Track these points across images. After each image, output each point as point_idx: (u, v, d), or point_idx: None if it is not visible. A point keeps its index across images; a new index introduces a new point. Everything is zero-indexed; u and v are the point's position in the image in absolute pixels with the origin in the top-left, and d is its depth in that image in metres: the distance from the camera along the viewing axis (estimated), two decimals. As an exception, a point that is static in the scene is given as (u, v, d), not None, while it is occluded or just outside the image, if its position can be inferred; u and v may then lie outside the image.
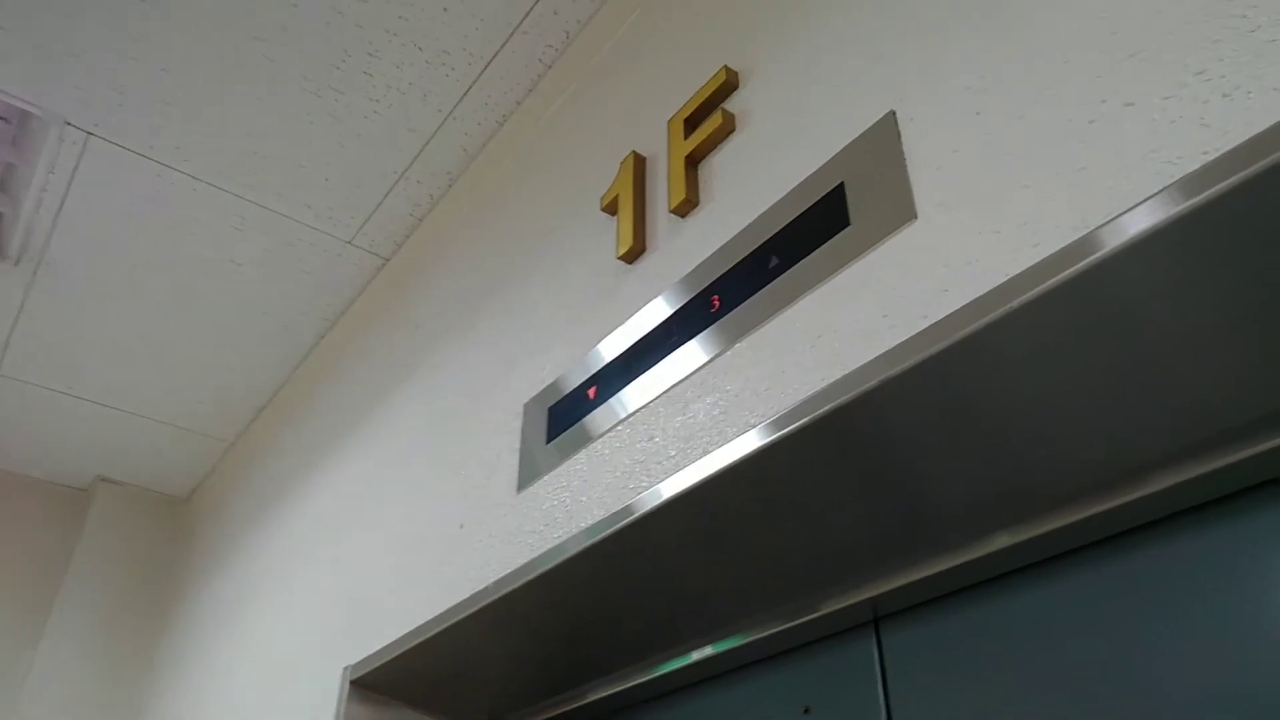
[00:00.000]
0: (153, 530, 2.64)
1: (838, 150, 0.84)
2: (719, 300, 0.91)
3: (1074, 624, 0.77)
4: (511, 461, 1.16)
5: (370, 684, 1.26)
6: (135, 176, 1.73)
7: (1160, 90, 0.59)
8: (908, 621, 0.89)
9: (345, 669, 1.29)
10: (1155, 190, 0.56)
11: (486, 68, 1.55)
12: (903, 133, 0.78)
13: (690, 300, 0.95)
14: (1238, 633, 0.67)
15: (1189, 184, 0.54)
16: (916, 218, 0.73)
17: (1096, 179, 0.61)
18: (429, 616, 1.15)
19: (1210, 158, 0.54)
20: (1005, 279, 0.63)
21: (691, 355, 0.91)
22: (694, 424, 0.87)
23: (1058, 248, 0.60)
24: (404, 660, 1.19)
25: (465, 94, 1.59)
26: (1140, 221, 0.56)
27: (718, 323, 0.90)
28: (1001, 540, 0.80)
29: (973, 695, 0.81)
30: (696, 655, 1.06)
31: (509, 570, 1.03)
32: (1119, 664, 0.73)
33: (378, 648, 1.24)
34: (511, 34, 1.50)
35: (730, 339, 0.87)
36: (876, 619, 0.92)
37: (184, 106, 1.61)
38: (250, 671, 1.68)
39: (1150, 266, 0.57)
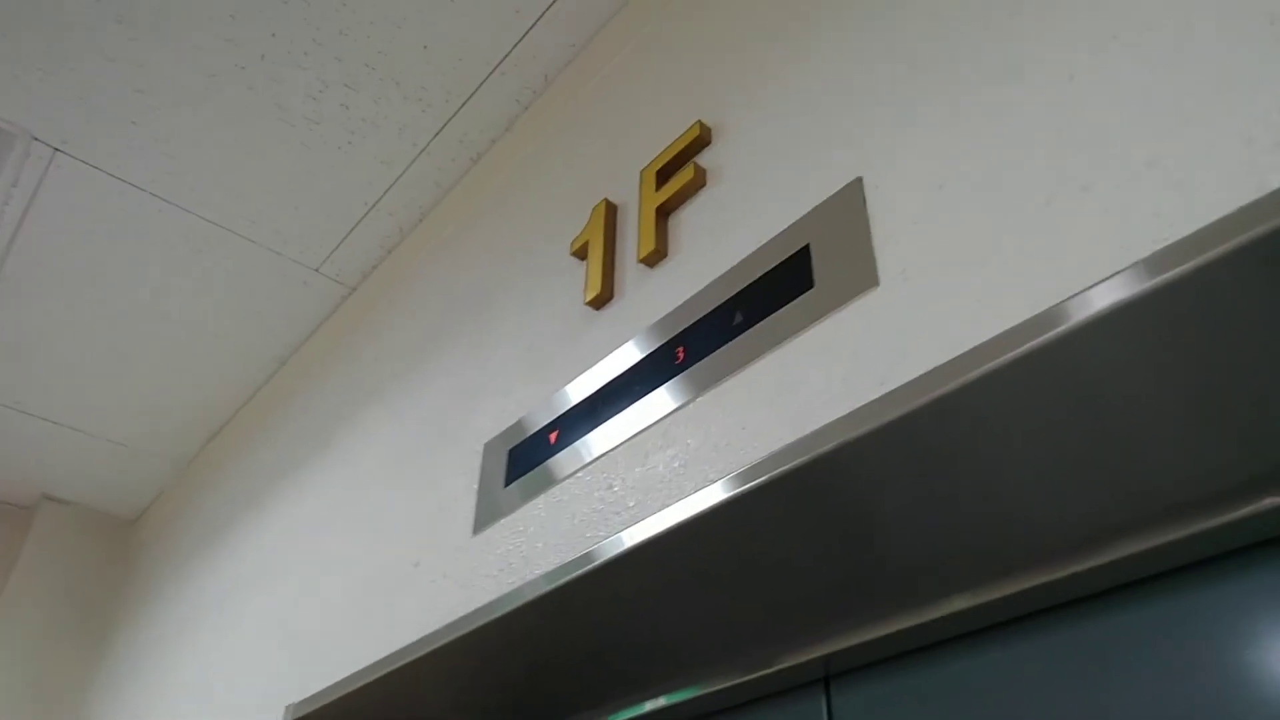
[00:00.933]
0: (96, 552, 2.57)
1: (805, 212, 0.86)
2: (684, 352, 0.92)
3: (1024, 689, 0.78)
4: (469, 502, 1.15)
5: (313, 724, 1.24)
6: (100, 195, 1.71)
7: (1114, 177, 0.61)
8: (858, 681, 0.89)
9: (288, 707, 1.26)
10: (1106, 274, 0.58)
11: (463, 106, 1.56)
12: (868, 199, 0.80)
13: (655, 350, 0.96)
14: (1189, 703, 0.68)
15: (1139, 270, 0.56)
16: (878, 284, 0.74)
17: (1051, 259, 0.63)
18: (377, 657, 1.13)
19: (1159, 246, 0.56)
20: (961, 351, 0.64)
21: (654, 405, 0.92)
22: (654, 475, 0.88)
23: (1012, 324, 0.62)
24: (348, 700, 1.17)
25: (440, 130, 1.60)
26: (1091, 304, 0.57)
27: (681, 374, 0.90)
28: (956, 604, 0.81)
29: (919, 758, 0.81)
30: (650, 706, 1.05)
31: (462, 614, 1.02)
32: (1062, 732, 0.73)
33: (322, 686, 1.22)
34: (490, 74, 1.51)
35: (693, 392, 0.88)
36: (828, 677, 0.92)
37: (155, 128, 1.60)
38: (189, 704, 1.64)
39: (1101, 346, 0.59)
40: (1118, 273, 0.57)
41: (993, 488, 0.71)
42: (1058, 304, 0.60)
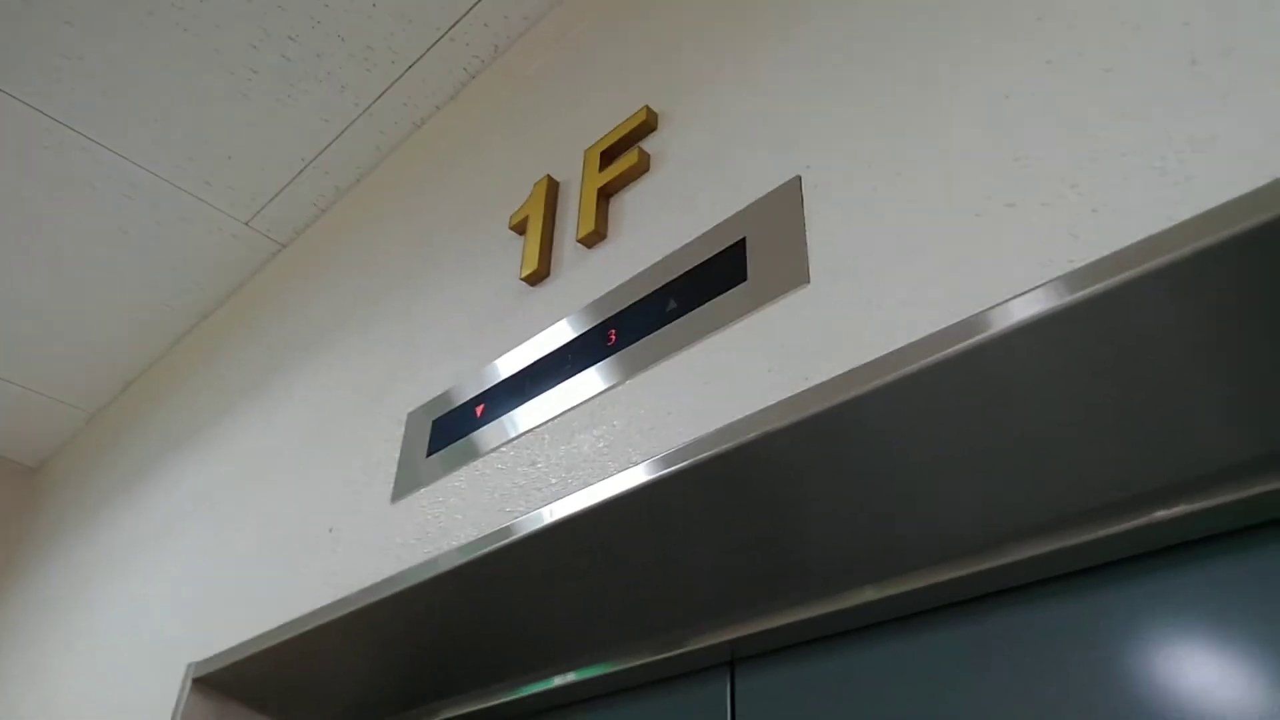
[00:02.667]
0: (-7, 498, 2.48)
1: (744, 206, 0.87)
2: (615, 334, 0.93)
3: (925, 682, 0.81)
4: (389, 470, 1.14)
5: (214, 683, 1.22)
6: (20, 128, 1.63)
7: (1039, 196, 0.64)
8: (762, 666, 0.92)
9: (189, 665, 1.24)
10: (1024, 289, 0.61)
11: (409, 69, 1.53)
12: (806, 198, 0.82)
13: (588, 331, 0.96)
14: (1085, 703, 0.72)
15: (1055, 287, 0.58)
16: (809, 282, 0.76)
17: (974, 270, 0.65)
18: (286, 619, 1.12)
19: (1075, 265, 0.59)
20: (882, 353, 0.66)
21: (583, 385, 0.92)
22: (578, 454, 0.88)
23: (932, 330, 0.64)
24: (253, 662, 1.16)
25: (385, 91, 1.58)
26: (1007, 316, 0.60)
27: (612, 356, 0.91)
28: (865, 594, 0.83)
29: (815, 741, 0.84)
30: (559, 680, 1.07)
31: (375, 580, 1.02)
32: (951, 722, 0.77)
33: (227, 646, 1.20)
34: (439, 39, 1.49)
35: (623, 374, 0.89)
36: (733, 661, 0.94)
37: (85, 64, 1.53)
38: (87, 659, 1.59)
39: (1012, 357, 0.61)
40: (1035, 288, 0.60)
41: (903, 486, 0.74)
42: (977, 314, 0.62)
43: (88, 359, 2.19)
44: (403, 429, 1.17)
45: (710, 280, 0.85)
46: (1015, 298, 0.60)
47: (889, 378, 0.65)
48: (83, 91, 1.57)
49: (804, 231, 0.79)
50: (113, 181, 1.74)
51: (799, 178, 0.83)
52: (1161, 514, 0.69)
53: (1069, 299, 0.58)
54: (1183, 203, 0.56)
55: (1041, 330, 0.59)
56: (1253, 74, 0.57)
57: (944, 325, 0.64)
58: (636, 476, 0.79)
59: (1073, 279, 0.58)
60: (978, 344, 0.61)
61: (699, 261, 0.88)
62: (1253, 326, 0.56)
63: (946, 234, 0.68)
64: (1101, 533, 0.72)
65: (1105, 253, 0.58)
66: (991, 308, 0.61)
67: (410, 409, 1.18)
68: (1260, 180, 0.53)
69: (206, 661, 1.21)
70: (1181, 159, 0.57)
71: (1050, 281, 0.59)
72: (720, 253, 0.86)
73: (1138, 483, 0.68)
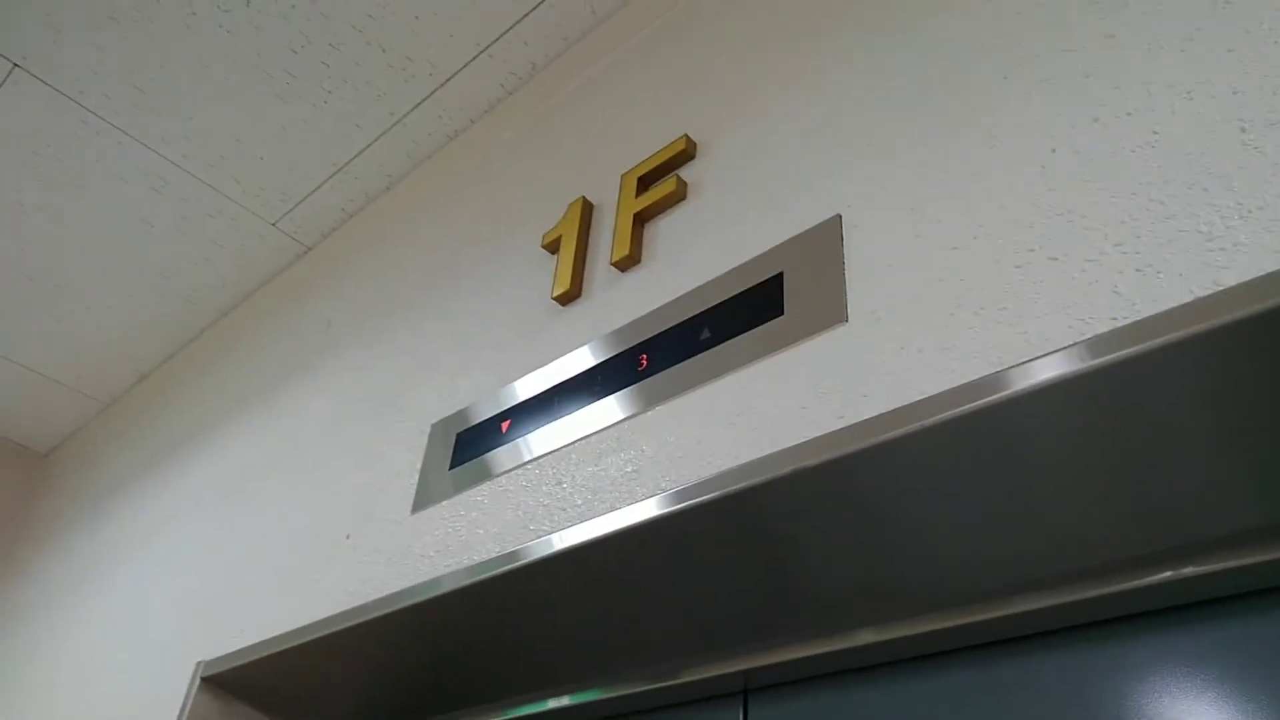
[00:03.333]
0: (2, 482, 2.48)
1: (783, 240, 0.88)
2: (647, 359, 0.93)
3: (929, 722, 0.81)
4: (410, 480, 1.15)
5: (223, 683, 1.23)
6: (57, 118, 1.65)
7: (1083, 252, 0.65)
8: (775, 697, 0.92)
9: (199, 664, 1.24)
10: (1065, 344, 0.61)
11: (447, 81, 1.55)
12: (846, 237, 0.83)
13: (619, 354, 0.97)
14: (1074, 751, 0.72)
15: (1096, 345, 0.59)
16: (847, 320, 0.77)
17: (1014, 321, 0.66)
18: (301, 623, 1.12)
19: (1118, 324, 0.60)
20: (920, 397, 0.67)
21: (612, 409, 0.93)
22: (604, 477, 0.89)
23: (971, 378, 0.65)
24: (264, 664, 1.16)
25: (421, 102, 1.59)
26: (1047, 370, 0.61)
27: (643, 382, 0.92)
28: (869, 635, 0.84)
29: (826, 776, 0.85)
30: (553, 704, 1.07)
31: (392, 591, 1.03)
32: (964, 766, 0.77)
33: (238, 646, 1.21)
34: (478, 54, 1.51)
35: (653, 400, 0.89)
36: (746, 691, 0.95)
37: (124, 58, 1.55)
38: (93, 650, 1.60)
39: (1049, 411, 0.62)
40: (1074, 344, 0.61)
41: (918, 533, 0.74)
42: (1013, 366, 0.63)
43: (105, 348, 2.20)
44: (425, 440, 1.18)
45: (746, 312, 0.86)
46: (1054, 352, 0.61)
47: (923, 423, 0.66)
48: (120, 85, 1.59)
49: (843, 270, 0.80)
50: (142, 174, 1.75)
51: (839, 216, 0.84)
52: (1169, 574, 0.70)
53: (1110, 357, 0.58)
54: (1228, 268, 0.57)
55: (1078, 387, 0.60)
56: (1302, 146, 0.58)
57: (981, 374, 0.65)
58: (663, 505, 0.80)
59: (1114, 338, 0.59)
60: (1013, 396, 0.62)
61: (735, 292, 0.89)
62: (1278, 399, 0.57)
63: (988, 283, 0.69)
64: (1105, 590, 0.72)
65: (1149, 313, 0.58)
66: (1030, 360, 0.62)
67: (434, 420, 1.19)
68: (1308, 252, 0.54)
69: (216, 661, 1.22)
70: (1229, 225, 0.58)
71: (1090, 339, 0.60)
72: (757, 285, 0.87)
73: (1149, 542, 0.69)
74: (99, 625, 1.64)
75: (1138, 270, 0.61)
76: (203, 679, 1.22)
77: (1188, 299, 0.57)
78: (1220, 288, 0.56)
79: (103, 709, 1.43)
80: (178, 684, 1.26)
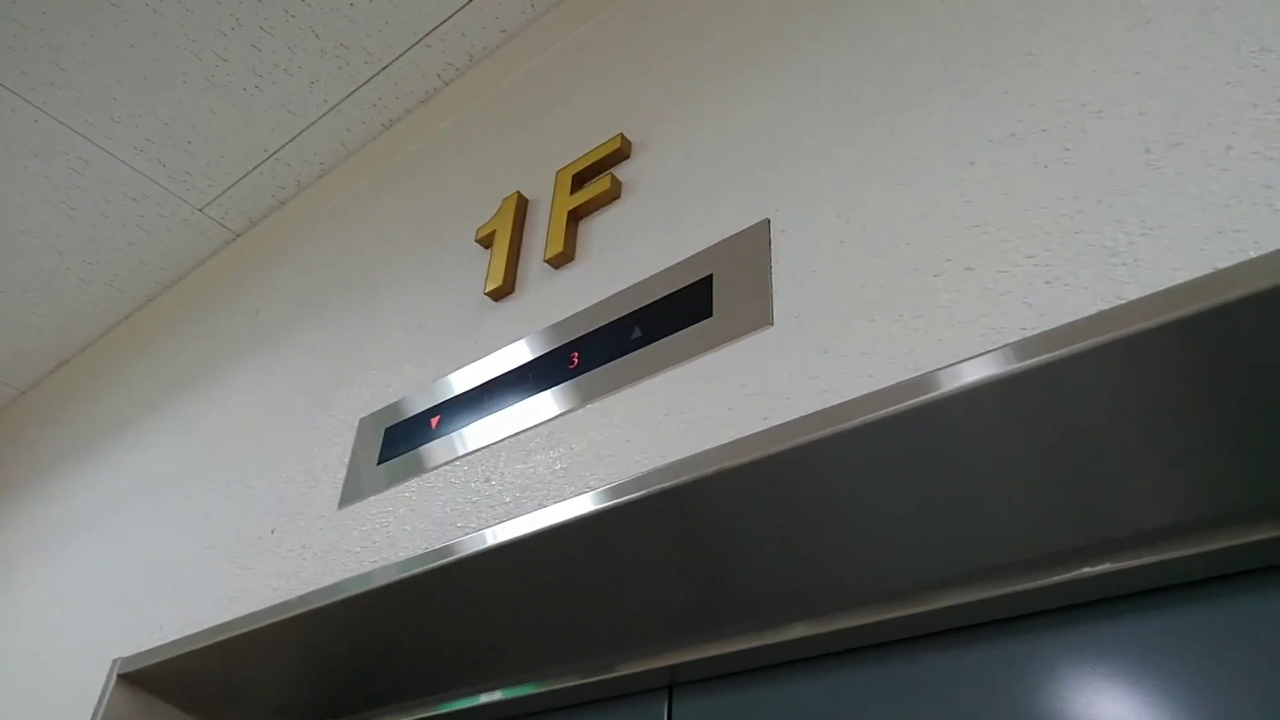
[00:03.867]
0: (-94, 471, 2.38)
1: (713, 242, 0.89)
2: (578, 358, 0.94)
3: (853, 718, 0.84)
4: (337, 475, 1.14)
5: (140, 680, 1.20)
6: (-29, 94, 1.59)
7: (996, 263, 0.67)
8: (700, 691, 0.94)
9: (115, 660, 1.21)
10: (977, 351, 0.64)
11: (382, 70, 1.53)
12: (774, 241, 0.84)
13: (550, 351, 0.98)
14: (982, 742, 0.75)
15: (1006, 354, 0.62)
16: (772, 324, 0.79)
17: (931, 328, 0.68)
18: (223, 619, 1.10)
19: (1027, 334, 0.62)
20: (840, 400, 0.69)
21: (543, 406, 0.94)
22: (534, 474, 0.90)
23: (889, 383, 0.67)
24: (184, 661, 1.14)
25: (355, 90, 1.57)
26: (959, 377, 0.63)
27: (574, 380, 0.93)
28: (796, 630, 0.86)
29: (747, 769, 0.87)
30: (485, 698, 1.07)
31: (317, 586, 1.02)
32: (879, 757, 0.80)
33: (157, 643, 1.18)
34: (415, 44, 1.49)
35: (583, 398, 0.90)
36: (671, 685, 0.96)
37: (44, 35, 1.50)
38: (7, 649, 1.55)
39: (962, 416, 0.65)
40: (986, 352, 0.63)
41: (842, 531, 0.76)
42: (929, 372, 0.65)
43: (22, 334, 2.12)
44: (353, 434, 1.16)
45: (676, 313, 0.87)
46: (968, 359, 0.64)
47: (843, 426, 0.67)
48: (39, 61, 1.54)
49: (770, 274, 0.82)
50: (62, 155, 1.69)
51: (768, 220, 0.86)
52: (1086, 570, 0.73)
53: (1019, 365, 0.61)
54: (1130, 282, 0.60)
55: (990, 393, 0.62)
56: (1199, 167, 0.61)
57: (899, 379, 0.67)
58: (591, 502, 0.80)
59: (1023, 347, 0.61)
60: (928, 402, 0.64)
61: (666, 293, 0.90)
62: (1184, 406, 0.60)
63: (908, 290, 0.71)
64: (1025, 585, 0.75)
65: (1056, 324, 0.61)
66: (945, 367, 0.65)
67: (362, 415, 1.18)
68: (1202, 270, 0.57)
69: (134, 657, 1.19)
70: (1131, 241, 0.61)
71: (1002, 347, 0.62)
72: (687, 287, 0.88)
73: (1065, 540, 0.72)
74: (11, 622, 1.59)
75: (1047, 282, 0.64)
76: (119, 676, 1.19)
77: (1091, 311, 0.60)
78: (1122, 301, 0.59)
79: (15, 708, 1.39)
80: (94, 681, 1.23)
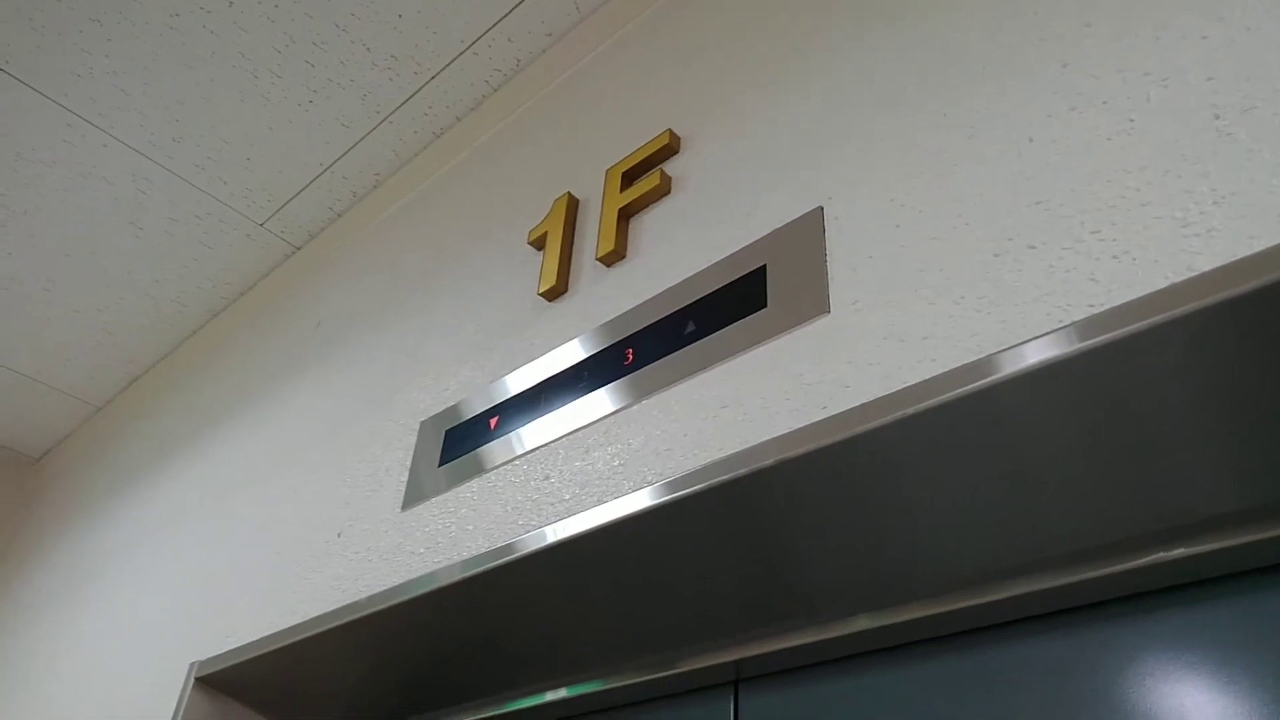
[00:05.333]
0: (-7, 487, 2.48)
1: (765, 233, 0.89)
2: (633, 354, 0.94)
3: (921, 710, 0.82)
4: (400, 478, 1.15)
5: (217, 683, 1.23)
6: (40, 120, 1.64)
7: (1060, 240, 0.65)
8: (766, 686, 0.93)
9: (192, 664, 1.25)
10: (1041, 331, 0.62)
11: (432, 79, 1.55)
12: (827, 229, 0.83)
13: (605, 349, 0.98)
14: (1060, 735, 0.73)
15: (1073, 332, 0.60)
16: (829, 312, 0.78)
17: (993, 309, 0.66)
18: (293, 622, 1.12)
19: (1095, 311, 0.60)
20: (902, 386, 0.68)
21: (599, 403, 0.94)
22: (592, 471, 0.90)
23: (951, 366, 0.66)
24: (258, 663, 1.17)
25: (406, 101, 1.59)
26: (1024, 358, 0.61)
27: (629, 376, 0.92)
28: (861, 623, 0.85)
29: (816, 765, 0.85)
30: (551, 696, 1.07)
31: (384, 588, 1.03)
32: (952, 751, 0.78)
33: (231, 646, 1.21)
34: (463, 51, 1.51)
35: (639, 394, 0.90)
36: (737, 681, 0.95)
37: (108, 60, 1.55)
38: (87, 655, 1.60)
39: (1028, 397, 0.63)
40: (1052, 331, 0.61)
41: (906, 520, 0.75)
42: (992, 354, 0.63)
43: (95, 352, 2.20)
44: (414, 437, 1.18)
45: (730, 305, 0.86)
46: (1033, 340, 0.62)
47: (905, 412, 0.66)
48: (104, 87, 1.59)
49: (825, 262, 0.81)
50: (129, 177, 1.75)
51: (821, 208, 0.85)
52: (1160, 556, 0.71)
53: (1087, 343, 0.59)
54: (1202, 253, 0.57)
55: (1056, 373, 0.61)
56: (1273, 131, 0.58)
57: (962, 362, 0.65)
58: (651, 497, 0.80)
59: (1091, 324, 0.59)
60: (993, 384, 0.62)
61: (719, 286, 0.89)
62: (1259, 383, 0.58)
63: (967, 272, 0.70)
64: (1095, 573, 0.73)
65: (1125, 299, 0.59)
66: (1009, 348, 0.63)
67: (422, 418, 1.19)
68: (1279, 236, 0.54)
69: (210, 661, 1.22)
70: (1203, 211, 0.59)
71: (1068, 325, 0.60)
72: (741, 278, 0.87)
73: (1137, 525, 0.70)
74: (93, 629, 1.64)
75: (1114, 257, 0.62)
76: (197, 679, 1.22)
77: (1163, 285, 0.58)
78: (1195, 273, 0.57)
79: (98, 712, 1.43)
80: (172, 685, 1.26)
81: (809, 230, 0.84)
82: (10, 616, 2.05)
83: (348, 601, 1.07)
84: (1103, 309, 0.60)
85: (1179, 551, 0.70)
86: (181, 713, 1.20)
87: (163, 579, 1.52)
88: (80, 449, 2.35)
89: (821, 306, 0.78)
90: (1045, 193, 0.68)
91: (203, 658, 1.24)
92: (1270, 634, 0.68)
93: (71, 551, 1.97)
